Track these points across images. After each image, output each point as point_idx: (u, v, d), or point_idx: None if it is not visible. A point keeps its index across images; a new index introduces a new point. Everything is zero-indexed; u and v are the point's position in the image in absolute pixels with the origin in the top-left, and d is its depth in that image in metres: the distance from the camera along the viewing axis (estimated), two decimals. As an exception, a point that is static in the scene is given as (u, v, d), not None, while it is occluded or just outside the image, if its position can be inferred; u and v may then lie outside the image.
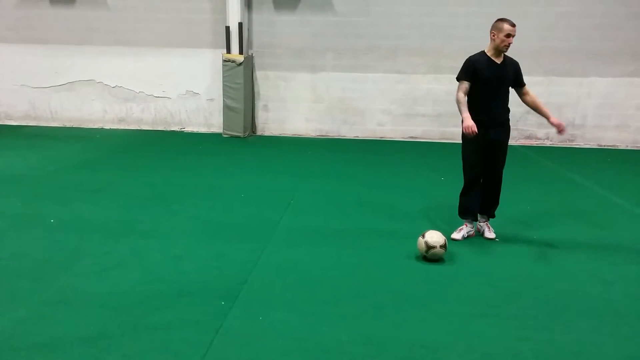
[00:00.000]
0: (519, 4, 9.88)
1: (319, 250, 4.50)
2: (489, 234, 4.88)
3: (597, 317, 3.44)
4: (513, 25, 4.49)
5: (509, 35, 4.47)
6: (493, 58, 4.60)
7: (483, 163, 4.77)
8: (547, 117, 4.74)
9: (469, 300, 3.64)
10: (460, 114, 4.64)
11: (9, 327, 3.14)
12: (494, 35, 4.53)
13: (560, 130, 4.67)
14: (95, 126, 11.16)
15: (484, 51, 4.65)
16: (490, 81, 4.58)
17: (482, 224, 4.97)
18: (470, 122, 4.54)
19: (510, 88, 4.76)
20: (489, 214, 4.98)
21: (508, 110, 4.79)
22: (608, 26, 9.92)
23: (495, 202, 4.94)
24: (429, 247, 4.23)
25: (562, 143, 10.43)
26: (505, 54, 4.65)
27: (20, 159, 7.83)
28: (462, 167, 4.89)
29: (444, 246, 4.26)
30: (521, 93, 4.81)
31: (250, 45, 10.59)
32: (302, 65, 10.62)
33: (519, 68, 4.74)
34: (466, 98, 4.65)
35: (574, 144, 10.44)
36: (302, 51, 10.57)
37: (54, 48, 10.89)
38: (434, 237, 4.26)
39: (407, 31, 10.31)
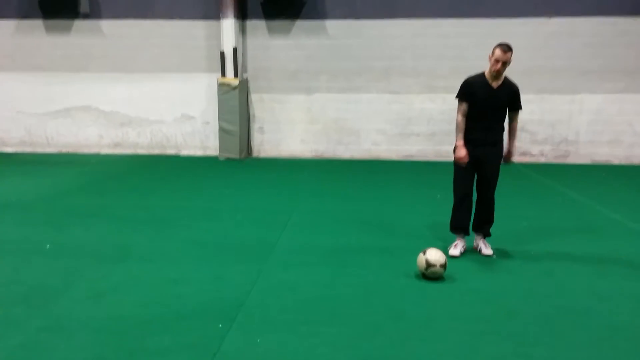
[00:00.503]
0: (509, 24, 10.04)
1: (317, 270, 4.49)
2: (486, 250, 4.88)
3: (596, 333, 3.42)
4: (504, 51, 4.46)
5: (497, 61, 4.48)
6: (490, 81, 4.62)
7: (473, 180, 4.83)
8: (509, 142, 4.86)
9: (468, 318, 3.62)
10: (455, 140, 4.74)
11: (6, 353, 3.10)
12: (489, 59, 4.57)
13: (505, 158, 4.88)
14: (91, 151, 11.20)
15: (483, 73, 4.68)
16: (482, 104, 4.63)
17: (478, 241, 4.98)
18: (462, 154, 4.68)
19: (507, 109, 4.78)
20: (484, 232, 4.98)
21: (501, 131, 4.80)
22: (597, 44, 10.09)
23: (488, 220, 4.94)
24: (429, 264, 4.22)
25: (557, 159, 10.50)
26: (508, 77, 4.68)
27: (16, 185, 7.83)
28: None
29: (443, 266, 4.25)
30: (510, 116, 4.82)
31: (245, 69, 10.70)
32: (296, 88, 10.72)
33: (518, 93, 4.71)
34: (465, 120, 4.72)
35: (568, 160, 10.51)
36: (296, 74, 10.67)
37: (50, 75, 10.99)
38: (435, 256, 4.26)
39: (400, 52, 10.44)
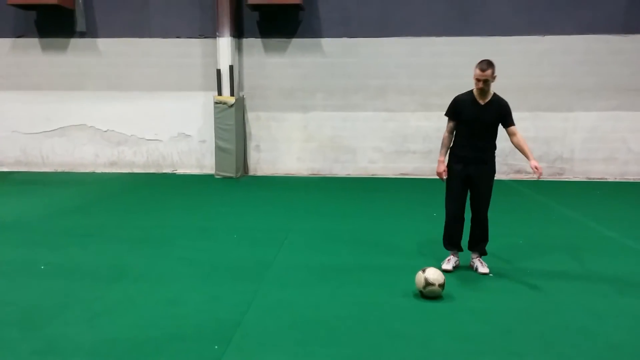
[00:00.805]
0: (503, 42, 10.14)
1: (313, 290, 4.46)
2: (482, 269, 4.87)
3: (593, 352, 3.41)
4: (482, 70, 4.49)
5: (478, 80, 4.53)
6: (477, 98, 4.66)
7: (465, 197, 4.86)
8: (527, 159, 4.69)
9: (465, 337, 3.60)
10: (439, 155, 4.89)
11: (-3, 378, 3.07)
12: (474, 78, 4.60)
13: (536, 173, 4.62)
14: (87, 170, 11.18)
15: (472, 90, 4.73)
16: (470, 121, 4.67)
17: (474, 260, 4.98)
18: (440, 169, 4.84)
19: (499, 126, 4.78)
20: (479, 251, 4.97)
21: (492, 149, 4.81)
22: (591, 62, 10.19)
23: (483, 239, 4.93)
24: (428, 283, 4.21)
25: (552, 177, 10.54)
26: (497, 94, 4.70)
27: (11, 205, 7.79)
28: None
29: (442, 285, 4.23)
30: (508, 133, 4.78)
31: (241, 87, 10.75)
32: (292, 106, 10.77)
33: (507, 109, 4.69)
34: (451, 137, 4.84)
35: (563, 178, 10.55)
36: (292, 92, 10.73)
37: (46, 94, 11.00)
38: (434, 275, 4.24)
39: (395, 70, 10.51)
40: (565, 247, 5.79)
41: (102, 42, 10.79)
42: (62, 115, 11.07)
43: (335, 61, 10.56)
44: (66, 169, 11.21)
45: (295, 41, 10.57)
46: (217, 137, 10.37)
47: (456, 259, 5.02)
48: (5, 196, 8.52)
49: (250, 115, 10.89)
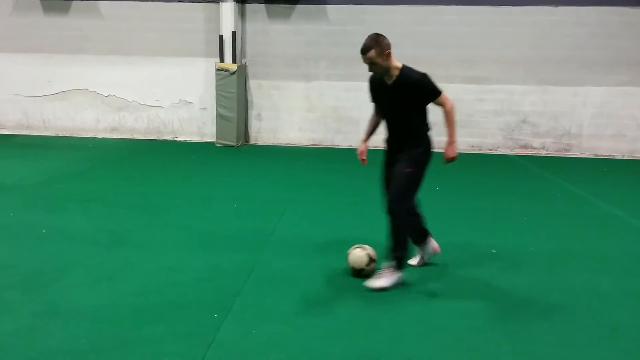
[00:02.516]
0: (513, 12, 9.91)
1: (313, 262, 4.44)
2: (370, 280, 3.93)
3: (596, 332, 3.38)
4: (362, 53, 3.79)
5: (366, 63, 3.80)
6: (385, 78, 3.92)
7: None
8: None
9: (466, 314, 3.58)
10: None
11: (-3, 341, 3.07)
12: None
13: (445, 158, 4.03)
14: (88, 135, 11.10)
15: None
16: (380, 104, 4.11)
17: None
18: (359, 150, 4.29)
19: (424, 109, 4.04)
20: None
21: (411, 136, 4.00)
22: (603, 35, 9.97)
23: (391, 240, 3.93)
24: (372, 260, 4.06)
25: (559, 153, 10.43)
26: (408, 68, 3.87)
27: (11, 169, 7.76)
28: None
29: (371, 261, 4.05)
30: (436, 104, 3.97)
31: (243, 54, 10.58)
32: (295, 74, 10.61)
33: (417, 88, 3.80)
34: (375, 119, 4.33)
35: (570, 154, 10.44)
36: (295, 60, 10.56)
37: (48, 57, 10.86)
38: (371, 250, 4.09)
39: (401, 40, 10.24)
40: (570, 225, 5.73)
41: (103, 5, 10.58)
42: (63, 78, 10.94)
43: (340, 29, 10.35)
44: (67, 134, 11.14)
45: (299, 7, 10.35)
46: (218, 104, 10.26)
47: (420, 253, 4.42)
48: (6, 159, 8.49)
49: (252, 83, 10.75)
